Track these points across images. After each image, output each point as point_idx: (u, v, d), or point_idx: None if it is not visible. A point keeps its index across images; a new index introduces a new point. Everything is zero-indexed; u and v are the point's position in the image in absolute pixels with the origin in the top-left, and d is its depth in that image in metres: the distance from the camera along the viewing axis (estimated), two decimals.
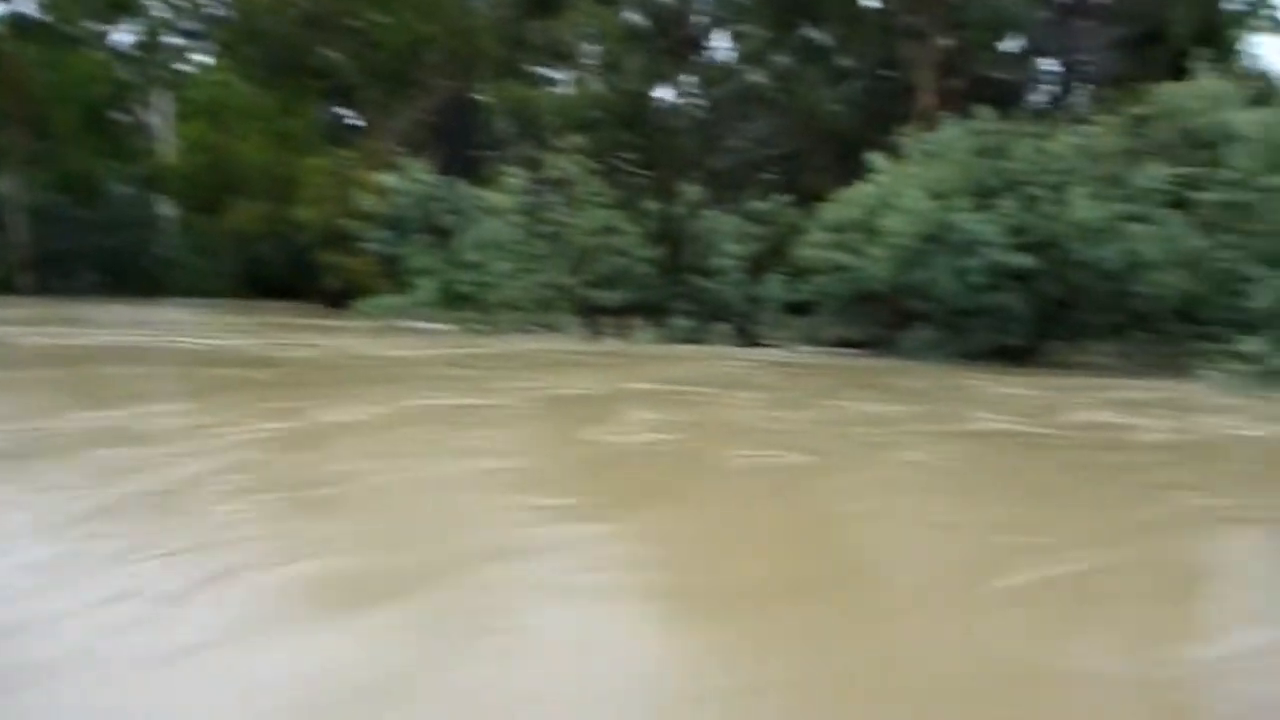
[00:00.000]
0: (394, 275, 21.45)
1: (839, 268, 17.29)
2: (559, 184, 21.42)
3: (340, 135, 34.49)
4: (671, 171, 23.73)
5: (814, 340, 20.23)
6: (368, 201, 21.79)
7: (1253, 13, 25.39)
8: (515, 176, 21.51)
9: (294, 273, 33.28)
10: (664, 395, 10.48)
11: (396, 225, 21.63)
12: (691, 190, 21.41)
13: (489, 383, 11.24)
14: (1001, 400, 11.43)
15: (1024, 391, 12.38)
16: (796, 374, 14.96)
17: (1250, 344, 14.48)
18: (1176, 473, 7.11)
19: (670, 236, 21.12)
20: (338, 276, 27.90)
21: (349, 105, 36.16)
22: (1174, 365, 15.88)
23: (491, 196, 21.77)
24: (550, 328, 20.92)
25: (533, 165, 22.24)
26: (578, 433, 7.80)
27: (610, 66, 27.83)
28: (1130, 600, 4.14)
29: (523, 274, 20.27)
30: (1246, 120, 15.64)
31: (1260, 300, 14.76)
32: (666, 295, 20.82)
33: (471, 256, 20.71)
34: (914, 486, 6.29)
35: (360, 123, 34.88)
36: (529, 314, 20.55)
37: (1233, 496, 6.46)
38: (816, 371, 15.63)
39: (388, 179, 22.06)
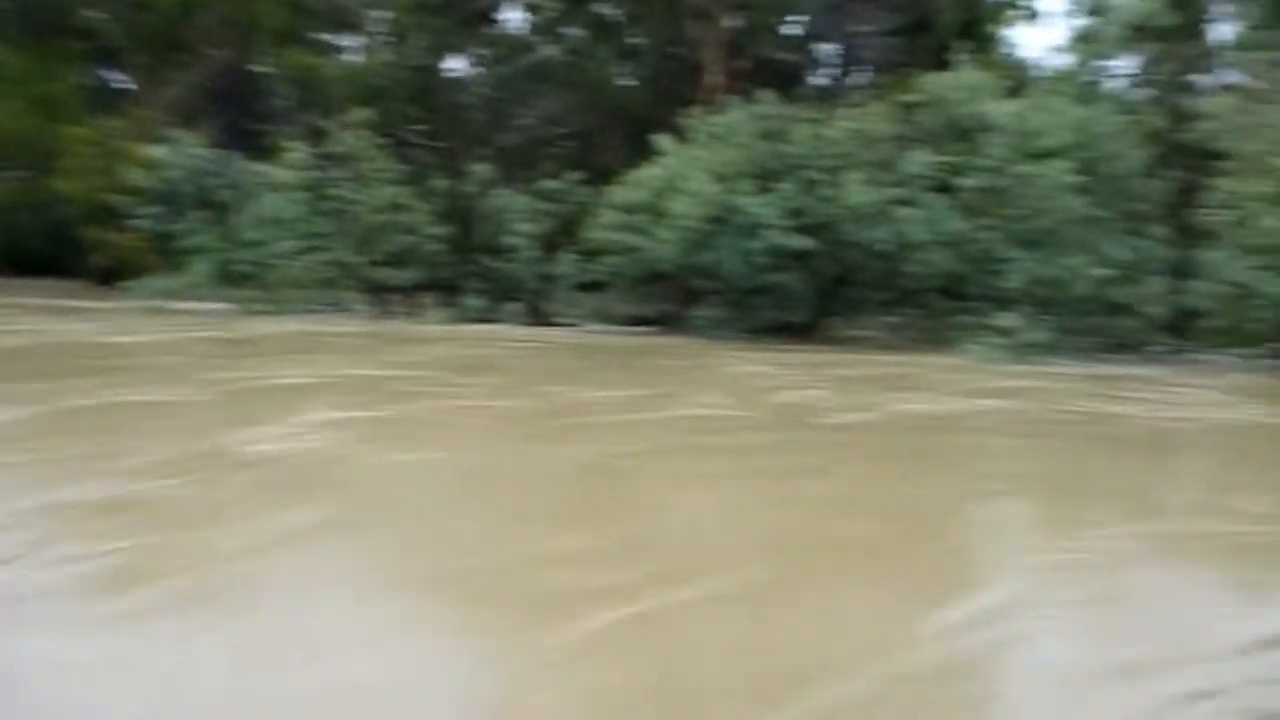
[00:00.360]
0: (167, 253, 20.22)
1: (629, 248, 17.51)
2: (344, 159, 20.70)
3: (109, 102, 32.13)
4: (461, 147, 23.35)
5: (607, 318, 20.45)
6: (136, 174, 20.43)
7: (1011, 4, 27.09)
8: (298, 150, 20.63)
9: (59, 249, 30.88)
10: (380, 384, 9.97)
11: (168, 200, 20.37)
12: (482, 167, 21.12)
13: (196, 373, 10.23)
14: (734, 380, 11.84)
15: (766, 369, 12.83)
16: (558, 355, 14.98)
17: (1006, 319, 15.63)
18: (805, 456, 7.37)
19: (460, 214, 20.80)
20: (105, 254, 26.13)
21: (118, 69, 33.77)
22: (941, 338, 16.97)
23: (273, 171, 20.81)
24: (337, 307, 20.31)
25: (316, 138, 21.38)
26: (219, 436, 6.71)
27: (398, 36, 27.09)
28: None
29: (306, 252, 19.53)
30: (1001, 111, 16.76)
31: (1014, 279, 15.93)
32: (458, 274, 20.55)
33: (251, 234, 19.77)
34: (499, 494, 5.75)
35: (130, 89, 32.64)
36: (313, 293, 19.87)
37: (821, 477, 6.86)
38: (583, 352, 15.63)
39: (157, 151, 20.74)
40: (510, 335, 17.29)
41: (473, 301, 19.75)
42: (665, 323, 19.40)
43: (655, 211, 17.28)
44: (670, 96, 23.24)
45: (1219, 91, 18.19)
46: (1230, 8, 19.92)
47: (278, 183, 20.41)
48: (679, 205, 16.72)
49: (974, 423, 9.35)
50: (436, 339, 15.93)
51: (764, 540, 4.94)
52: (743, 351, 15.17)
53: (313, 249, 19.63)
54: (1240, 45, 18.42)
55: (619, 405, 9.24)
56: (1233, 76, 18.75)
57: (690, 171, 17.14)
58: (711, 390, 10.64)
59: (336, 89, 25.93)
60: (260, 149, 22.86)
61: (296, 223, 19.84)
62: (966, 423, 9.30)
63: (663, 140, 18.24)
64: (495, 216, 20.39)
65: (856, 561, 4.74)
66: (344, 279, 20.12)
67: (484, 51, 27.38)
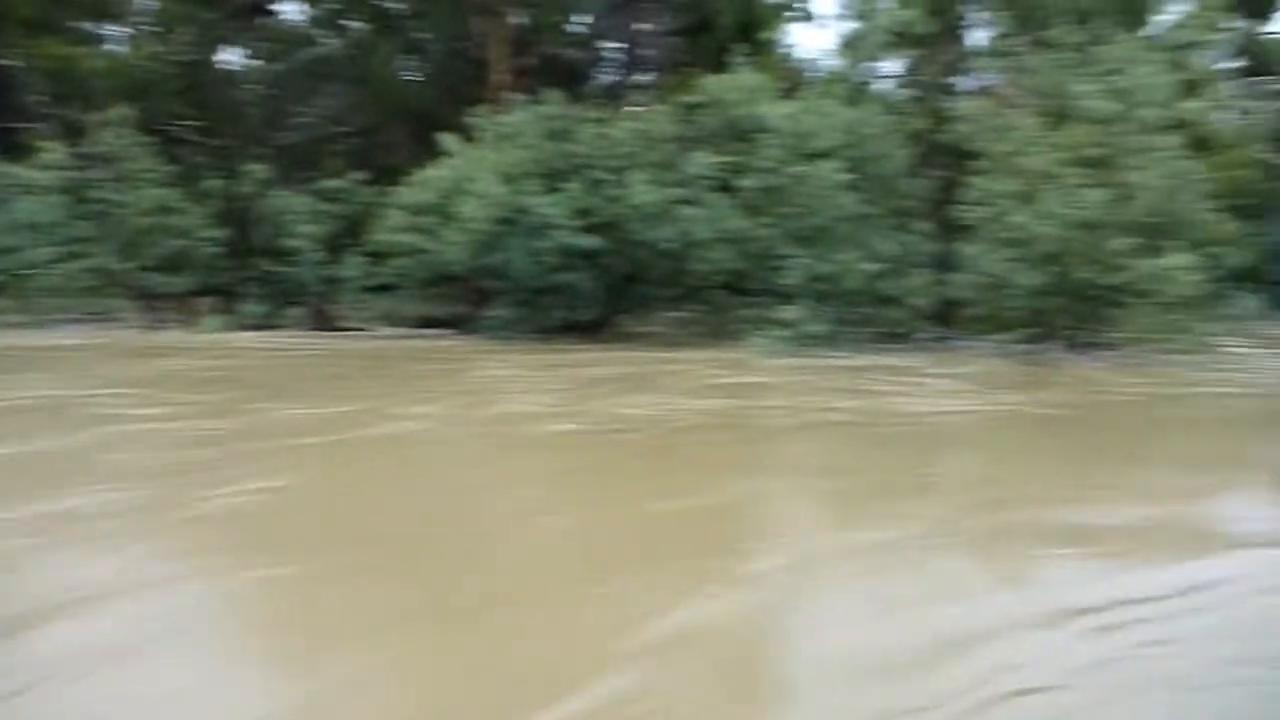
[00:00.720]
0: None
1: (417, 250, 17.20)
2: (106, 158, 19.44)
3: None
4: (237, 145, 22.33)
5: (397, 321, 20.07)
6: None
7: (788, 6, 28.04)
8: (54, 150, 19.24)
9: None
10: (68, 408, 9.38)
11: None
12: (259, 167, 20.26)
13: None
14: (472, 387, 11.93)
15: (520, 373, 13.09)
16: (311, 363, 14.57)
17: (788, 312, 16.25)
18: (477, 471, 7.47)
19: (237, 216, 19.91)
20: None
21: None
22: (727, 332, 17.47)
23: (26, 172, 19.33)
24: (104, 317, 19.10)
25: (75, 136, 19.99)
26: None
27: (165, 26, 25.59)
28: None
29: (66, 259, 18.25)
30: (777, 112, 17.36)
31: (793, 274, 16.56)
32: (236, 279, 19.67)
33: (3, 240, 18.35)
34: None
35: None
36: (76, 303, 18.61)
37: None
38: (342, 359, 15.12)
39: None
40: (277, 343, 16.73)
41: (252, 307, 18.98)
42: (457, 324, 19.18)
43: (443, 213, 17.04)
44: (457, 94, 22.95)
45: (974, 95, 19.40)
46: (984, 15, 21.32)
47: (32, 185, 18.98)
48: (467, 207, 16.54)
49: (680, 422, 9.35)
50: (185, 349, 15.23)
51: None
52: (515, 354, 15.26)
53: (73, 255, 18.38)
54: (991, 52, 19.72)
55: (316, 425, 8.80)
56: (987, 80, 20.08)
57: (478, 172, 16.98)
58: (436, 401, 10.48)
59: (97, 83, 24.25)
60: (12, 149, 21.18)
61: (54, 227, 18.54)
62: (673, 422, 9.31)
63: (449, 140, 17.99)
64: (274, 218, 19.62)
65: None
66: (110, 287, 18.92)
67: (260, 44, 26.26)
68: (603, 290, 17.55)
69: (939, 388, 12.12)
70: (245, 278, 19.64)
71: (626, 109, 19.32)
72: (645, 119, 18.22)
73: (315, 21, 26.64)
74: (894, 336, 17.12)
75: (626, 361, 14.31)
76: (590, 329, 17.91)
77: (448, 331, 18.89)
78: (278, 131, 23.63)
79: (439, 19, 25.69)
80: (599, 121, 18.05)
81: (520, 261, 16.68)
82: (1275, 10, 30.00)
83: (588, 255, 16.68)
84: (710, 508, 6.24)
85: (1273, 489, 7.77)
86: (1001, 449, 8.99)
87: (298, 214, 19.41)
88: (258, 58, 26.31)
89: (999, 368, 14.44)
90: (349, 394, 11.04)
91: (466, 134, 18.26)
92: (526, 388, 11.60)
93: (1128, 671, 3.80)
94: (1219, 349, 15.55)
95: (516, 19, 23.86)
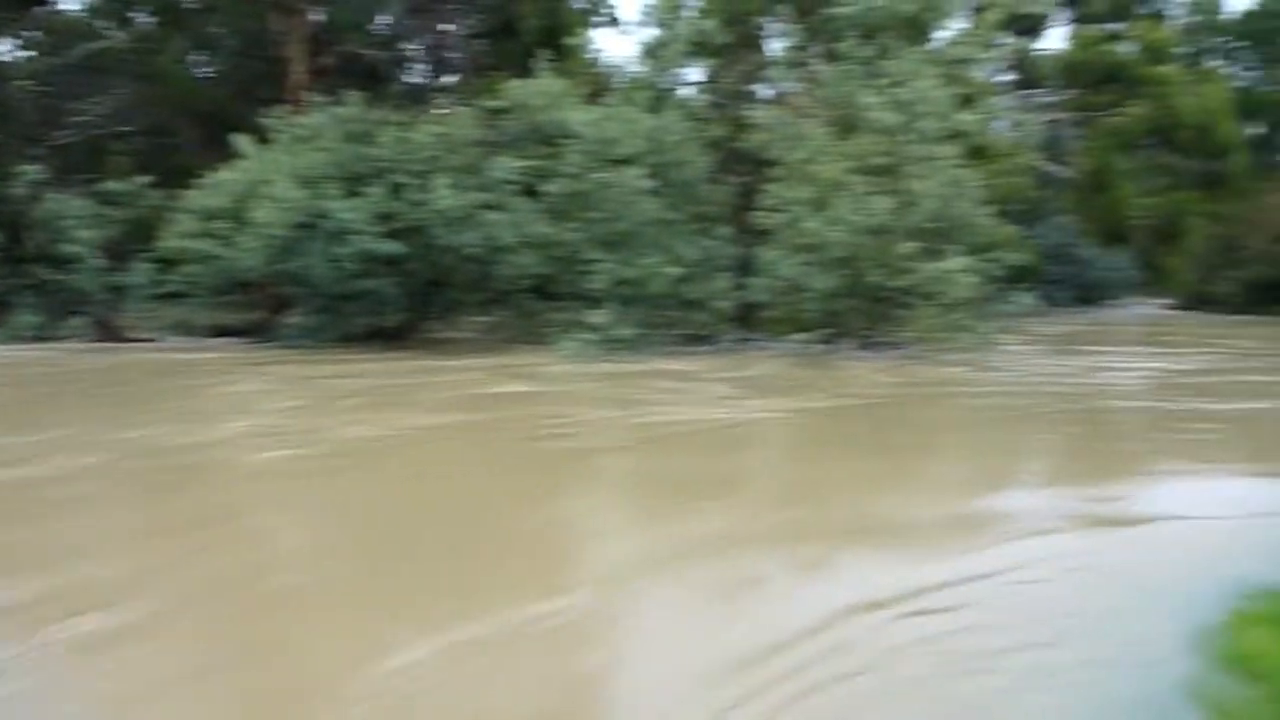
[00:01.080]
0: None
1: (209, 256, 16.46)
2: None
3: None
4: (9, 145, 20.79)
5: (190, 330, 19.16)
6: None
7: (594, 11, 28.19)
8: None
9: None
10: None
11: None
12: (33, 168, 18.87)
13: None
14: (212, 406, 11.18)
15: (274, 388, 12.71)
16: (33, 380, 13.45)
17: (595, 316, 16.40)
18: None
19: (8, 220, 18.51)
20: None
21: None
22: (536, 337, 17.48)
23: None
24: None
25: None
26: None
27: None
28: None
29: None
30: (580, 118, 17.48)
31: (599, 279, 16.71)
32: (8, 287, 18.31)
33: None
34: None
35: None
36: None
37: None
38: (82, 374, 14.06)
39: None
40: (34, 356, 15.70)
41: (27, 318, 17.73)
42: (254, 333, 18.49)
43: (237, 218, 16.39)
44: (252, 93, 22.13)
45: (771, 103, 20.05)
46: (781, 26, 22.03)
47: None
48: (262, 212, 15.95)
49: (401, 440, 8.98)
50: None
51: None
52: (293, 364, 14.86)
53: None
54: (786, 62, 20.40)
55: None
56: (783, 89, 20.75)
57: (274, 175, 16.41)
58: (143, 426, 9.36)
59: None
60: None
61: None
62: (389, 441, 8.88)
63: (243, 142, 17.31)
64: (51, 223, 18.34)
65: None
66: None
67: (34, 36, 24.57)
68: (407, 296, 17.26)
69: (713, 393, 12.33)
70: (17, 286, 18.29)
71: (430, 112, 19.04)
72: (448, 122, 18.01)
73: (96, 13, 25.16)
74: (699, 339, 17.51)
75: (404, 371, 14.04)
76: (396, 335, 17.58)
77: (244, 340, 18.17)
78: (54, 130, 22.12)
79: (233, 14, 24.68)
80: (401, 124, 17.73)
81: (320, 267, 16.20)
82: (1045, 28, 32.29)
83: (390, 261, 16.35)
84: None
85: (1039, 479, 8.38)
86: (755, 456, 9.15)
87: (77, 218, 18.23)
88: (32, 50, 24.63)
89: (780, 370, 14.87)
90: (34, 422, 9.94)
91: (262, 135, 17.63)
92: (266, 406, 11.13)
93: (929, 657, 4.06)
94: (997, 346, 16.60)
95: (315, 16, 23.17)
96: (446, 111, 18.73)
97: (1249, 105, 38.75)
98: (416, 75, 26.44)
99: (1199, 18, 43.50)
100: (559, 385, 13.11)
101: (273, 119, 17.92)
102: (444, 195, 16.21)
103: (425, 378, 13.37)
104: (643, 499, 7.30)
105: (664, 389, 12.62)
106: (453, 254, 16.69)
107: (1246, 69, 44.19)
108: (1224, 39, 44.41)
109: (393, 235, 16.27)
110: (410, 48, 25.83)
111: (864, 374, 14.30)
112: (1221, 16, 44.66)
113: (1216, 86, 32.59)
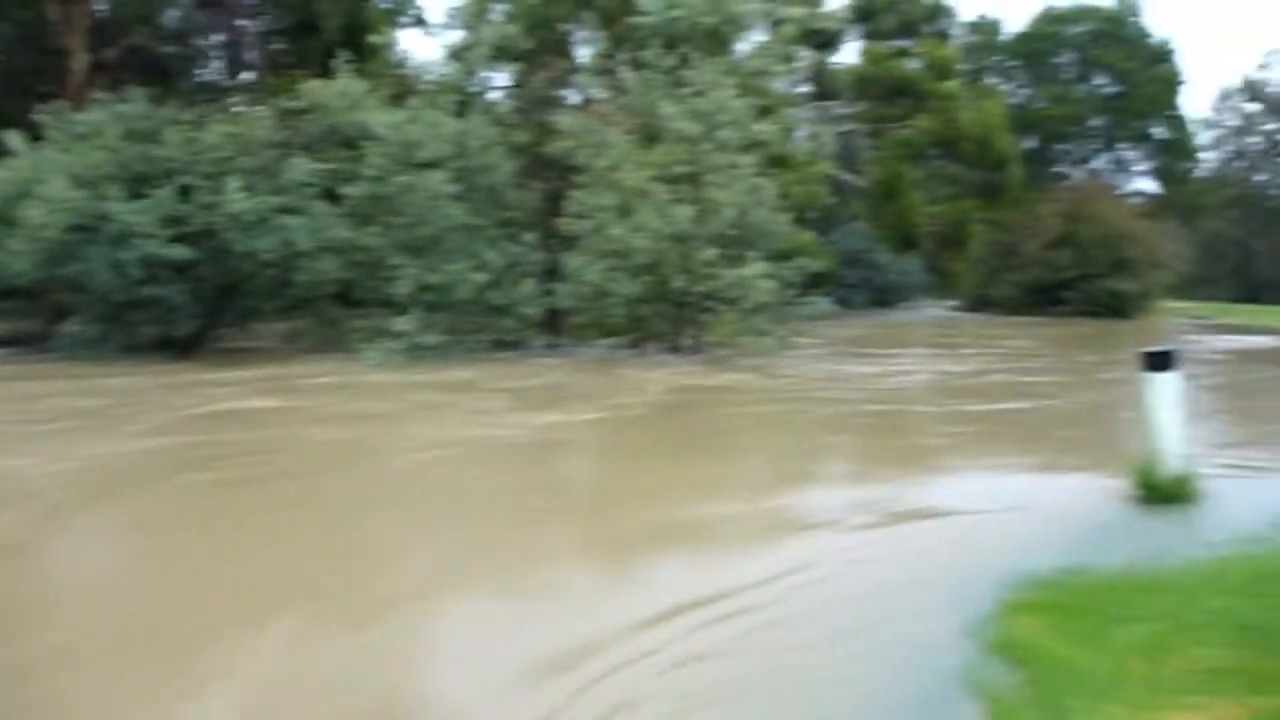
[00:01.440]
0: None
1: None
2: None
3: None
4: None
5: None
6: None
7: (400, 10, 27.60)
8: None
9: None
10: None
11: None
12: None
13: None
14: None
15: None
16: None
17: (401, 323, 16.11)
18: None
19: None
20: None
21: None
22: (340, 344, 17.02)
23: None
24: None
25: None
26: None
27: None
28: None
29: None
30: (382, 121, 17.14)
31: (403, 285, 16.42)
32: None
33: None
34: None
35: None
36: None
37: None
38: None
39: None
40: None
41: None
42: (29, 342, 17.30)
43: (6, 219, 15.30)
44: (26, 87, 20.71)
45: (577, 110, 20.16)
46: (587, 34, 22.19)
47: None
48: (34, 213, 14.94)
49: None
50: None
51: None
52: (34, 380, 13.84)
53: None
54: (591, 69, 20.58)
55: None
56: (589, 96, 20.92)
57: (47, 175, 15.40)
58: None
59: None
60: None
61: None
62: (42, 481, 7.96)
63: (13, 139, 16.20)
64: None
65: None
66: None
67: None
68: (198, 304, 16.47)
69: (480, 406, 11.97)
70: None
71: (224, 111, 18.26)
72: (242, 122, 17.34)
73: None
74: (507, 345, 17.45)
75: (156, 386, 13.06)
76: (187, 345, 16.74)
77: (17, 350, 16.98)
78: None
79: (6, 2, 22.98)
80: (190, 124, 16.95)
81: (101, 273, 15.29)
82: (840, 43, 33.76)
83: (180, 266, 15.61)
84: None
85: (833, 476, 8.76)
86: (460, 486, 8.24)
87: None
88: None
89: (568, 379, 14.78)
90: None
91: (35, 132, 16.53)
92: None
93: (736, 659, 4.19)
94: (795, 349, 17.20)
95: (97, 7, 21.89)
96: (240, 111, 17.99)
97: (1023, 120, 41.67)
98: (211, 73, 25.26)
99: (979, 38, 46.56)
100: (312, 399, 12.36)
101: (47, 115, 16.83)
102: (237, 198, 15.56)
103: (170, 395, 12.38)
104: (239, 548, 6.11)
105: (428, 403, 12.27)
106: (248, 259, 16.06)
107: (1021, 87, 47.58)
108: (1001, 58, 47.70)
109: (182, 239, 15.53)
110: (203, 43, 24.68)
111: (656, 378, 14.38)
112: (999, 37, 47.98)
113: (994, 102, 34.89)
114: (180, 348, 16.55)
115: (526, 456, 9.38)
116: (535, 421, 10.87)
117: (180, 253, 15.38)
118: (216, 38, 24.77)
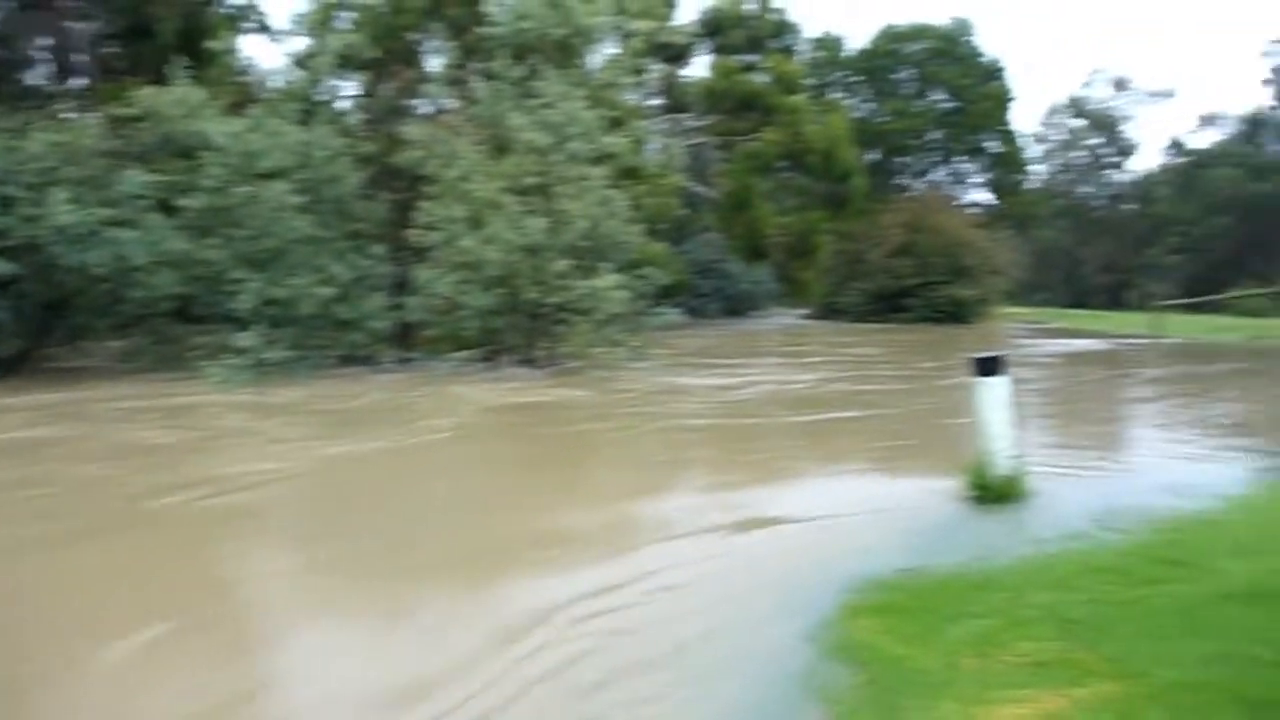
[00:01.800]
0: None
1: None
2: None
3: None
4: None
5: None
6: None
7: (243, 16, 26.65)
8: None
9: None
10: None
11: None
12: None
13: None
14: None
15: None
16: None
17: (244, 339, 15.57)
18: None
19: None
20: None
21: None
22: (180, 362, 16.33)
23: None
24: None
25: None
26: None
27: None
28: None
29: None
30: (221, 130, 16.57)
31: (246, 299, 15.90)
32: None
33: None
34: None
35: None
36: None
37: None
38: None
39: None
40: None
41: None
42: None
43: None
44: None
45: (427, 120, 19.89)
46: (436, 43, 21.89)
47: None
48: None
49: None
50: None
51: None
52: None
53: None
54: (441, 79, 20.36)
55: None
56: (440, 106, 20.66)
57: None
58: None
59: None
60: None
61: None
62: None
63: None
64: None
65: None
66: None
67: None
68: (21, 321, 15.57)
69: (285, 433, 11.16)
70: None
71: (48, 119, 17.30)
72: (69, 131, 16.49)
73: None
74: (357, 360, 17.06)
75: None
76: (10, 365, 15.79)
77: None
78: None
79: None
80: (12, 132, 16.02)
81: None
82: (690, 57, 34.27)
83: (1, 282, 14.72)
84: None
85: (686, 486, 8.86)
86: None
87: None
88: None
89: (392, 397, 14.16)
90: None
91: None
92: None
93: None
94: (645, 359, 17.28)
95: None
96: (68, 118, 17.10)
97: (866, 134, 43.10)
98: (37, 78, 23.82)
99: (823, 54, 47.98)
100: (102, 427, 11.39)
101: None
102: (63, 210, 14.76)
103: None
104: None
105: (229, 429, 11.55)
106: (77, 274, 15.25)
107: (864, 101, 49.24)
108: (844, 74, 49.28)
109: (3, 253, 14.65)
110: (26, 47, 23.29)
111: (481, 396, 13.98)
112: (842, 54, 49.56)
113: (839, 116, 35.96)
114: (3, 367, 15.61)
115: (274, 504, 7.99)
116: (325, 452, 9.82)
117: (3, 267, 14.51)
118: (43, 41, 23.39)
